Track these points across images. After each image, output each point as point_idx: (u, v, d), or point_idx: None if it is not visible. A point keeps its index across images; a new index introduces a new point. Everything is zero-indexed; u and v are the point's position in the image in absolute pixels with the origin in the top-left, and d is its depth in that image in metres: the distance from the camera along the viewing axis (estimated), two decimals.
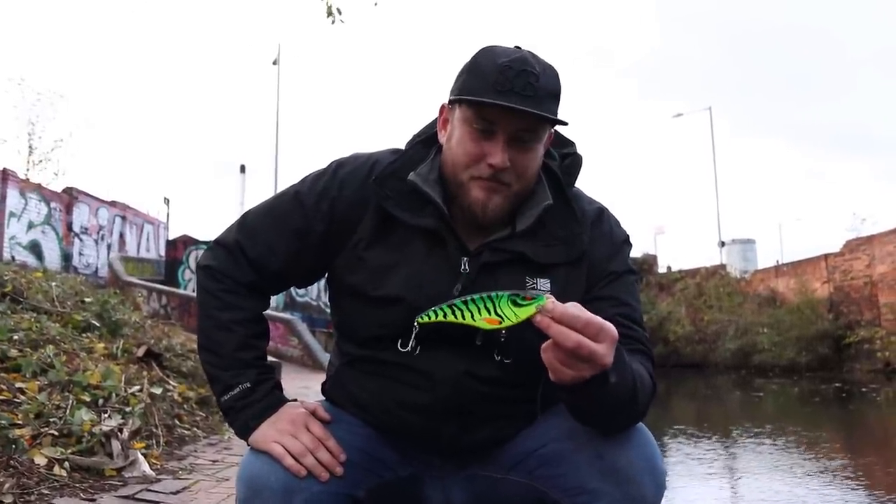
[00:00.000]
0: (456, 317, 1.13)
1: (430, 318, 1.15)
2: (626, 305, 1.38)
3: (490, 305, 1.12)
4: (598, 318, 1.09)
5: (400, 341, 1.33)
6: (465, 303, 1.13)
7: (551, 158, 1.43)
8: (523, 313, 1.10)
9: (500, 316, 1.11)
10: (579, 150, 1.48)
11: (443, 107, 1.40)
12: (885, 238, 18.49)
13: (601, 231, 1.42)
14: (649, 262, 27.76)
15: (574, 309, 1.08)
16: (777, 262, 27.05)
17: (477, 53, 1.33)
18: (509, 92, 1.23)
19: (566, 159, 1.45)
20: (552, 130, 1.38)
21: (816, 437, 8.33)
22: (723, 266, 26.88)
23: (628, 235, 1.47)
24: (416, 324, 1.17)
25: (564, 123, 1.30)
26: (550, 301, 1.09)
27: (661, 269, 27.92)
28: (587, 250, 1.38)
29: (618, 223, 1.47)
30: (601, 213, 1.45)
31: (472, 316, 1.12)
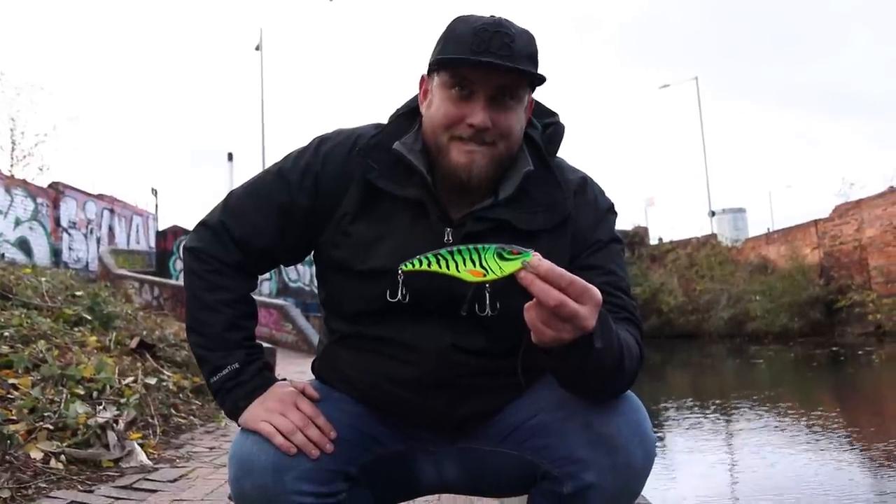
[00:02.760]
0: (440, 266, 1.11)
1: (414, 265, 1.12)
2: (613, 274, 1.37)
3: (476, 257, 1.09)
4: (583, 281, 1.07)
5: (388, 292, 1.31)
6: (451, 253, 1.11)
7: (533, 128, 1.42)
8: (508, 267, 1.08)
9: (484, 268, 1.09)
10: (563, 121, 1.47)
11: (422, 78, 1.39)
12: (873, 202, 18.59)
13: (585, 199, 1.41)
14: (640, 233, 27.83)
15: (558, 269, 1.07)
16: (768, 229, 27.17)
17: (452, 21, 1.32)
18: (486, 52, 1.24)
19: (548, 129, 1.44)
20: (532, 99, 1.37)
21: (816, 402, 8.42)
22: (714, 236, 26.99)
23: (613, 204, 1.46)
24: (400, 271, 1.14)
25: (543, 79, 1.30)
26: (536, 257, 1.07)
27: (653, 241, 28.02)
28: (571, 217, 1.37)
29: (602, 192, 1.46)
30: (584, 182, 1.43)
31: (457, 266, 1.10)
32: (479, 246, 1.10)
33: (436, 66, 1.31)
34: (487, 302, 1.30)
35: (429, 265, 1.12)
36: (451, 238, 1.32)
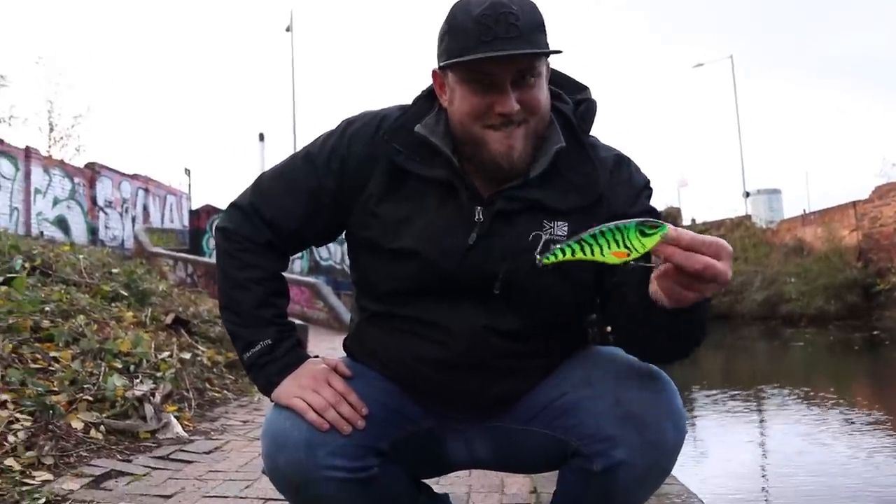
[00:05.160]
0: (585, 253, 1.06)
1: (557, 256, 1.07)
2: None
3: (619, 237, 1.06)
4: (715, 238, 1.08)
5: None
6: (595, 236, 1.06)
7: (564, 104, 1.40)
8: (650, 242, 1.05)
9: (627, 248, 1.05)
10: (594, 97, 1.45)
11: (434, 73, 1.36)
12: None
13: (620, 178, 1.39)
14: (673, 214, 27.44)
15: (695, 235, 1.06)
16: (804, 211, 26.62)
17: (450, 11, 1.29)
18: (494, 40, 1.21)
19: (580, 105, 1.42)
20: (549, 64, 1.34)
21: (853, 388, 8.26)
22: (748, 217, 26.52)
23: (648, 180, 1.43)
24: (541, 265, 1.09)
25: (558, 52, 1.27)
26: (672, 229, 1.06)
27: (685, 222, 27.67)
28: (605, 196, 1.35)
29: (637, 169, 1.43)
30: (620, 160, 1.41)
31: (602, 251, 1.06)
32: (620, 224, 1.06)
33: (447, 65, 1.28)
34: (519, 282, 1.30)
35: (573, 254, 1.07)
36: (481, 217, 1.32)
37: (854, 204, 20.19)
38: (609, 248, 1.06)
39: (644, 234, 1.05)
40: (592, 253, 1.06)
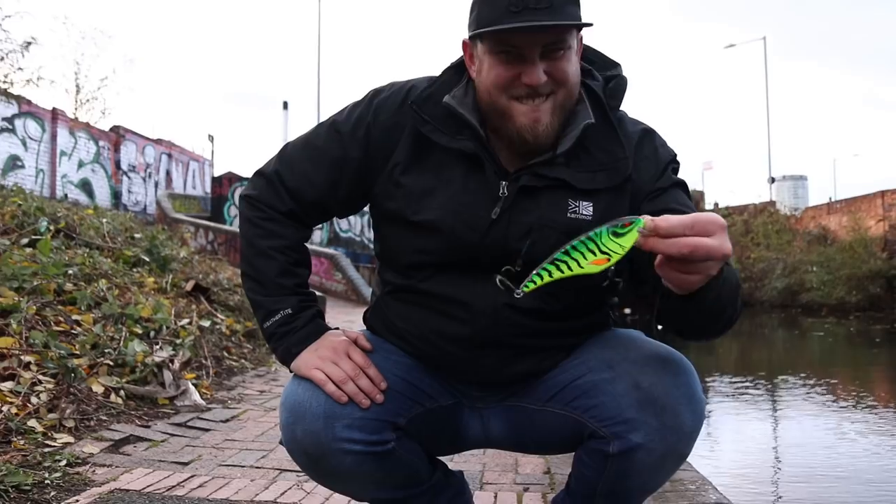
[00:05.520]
0: (563, 271, 1.05)
1: (535, 283, 1.06)
2: (677, 212, 1.33)
3: (593, 246, 1.04)
4: (700, 214, 1.05)
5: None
6: (568, 252, 1.05)
7: (595, 80, 1.37)
8: (627, 241, 1.03)
9: (606, 253, 1.04)
10: (625, 74, 1.42)
11: (464, 43, 1.34)
12: None
13: (644, 153, 1.35)
14: (696, 198, 27.21)
15: (674, 218, 1.04)
16: (830, 199, 26.22)
17: None
18: (524, 10, 1.18)
19: (610, 82, 1.38)
20: (581, 38, 1.31)
21: (872, 380, 8.18)
22: (772, 203, 26.24)
23: (675, 155, 1.40)
24: (520, 295, 1.09)
25: (589, 24, 1.24)
26: (649, 220, 1.03)
27: (709, 206, 27.41)
28: (631, 175, 1.33)
29: (664, 143, 1.39)
30: (645, 134, 1.38)
31: (579, 264, 1.05)
32: (591, 234, 1.04)
33: (475, 34, 1.26)
34: (541, 260, 1.28)
35: (550, 275, 1.06)
36: (506, 192, 1.30)
37: (882, 193, 19.86)
38: (586, 258, 1.04)
39: (618, 235, 1.03)
40: (570, 268, 1.05)
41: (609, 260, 1.04)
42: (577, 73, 1.30)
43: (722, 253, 1.03)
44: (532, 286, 1.07)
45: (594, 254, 1.04)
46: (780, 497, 3.80)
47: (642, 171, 1.34)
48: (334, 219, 6.12)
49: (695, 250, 1.01)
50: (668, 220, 1.03)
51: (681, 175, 1.39)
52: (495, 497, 2.30)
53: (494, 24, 1.20)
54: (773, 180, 29.78)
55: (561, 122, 1.29)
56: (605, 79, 1.38)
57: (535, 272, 1.07)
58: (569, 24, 1.22)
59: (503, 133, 1.30)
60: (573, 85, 1.28)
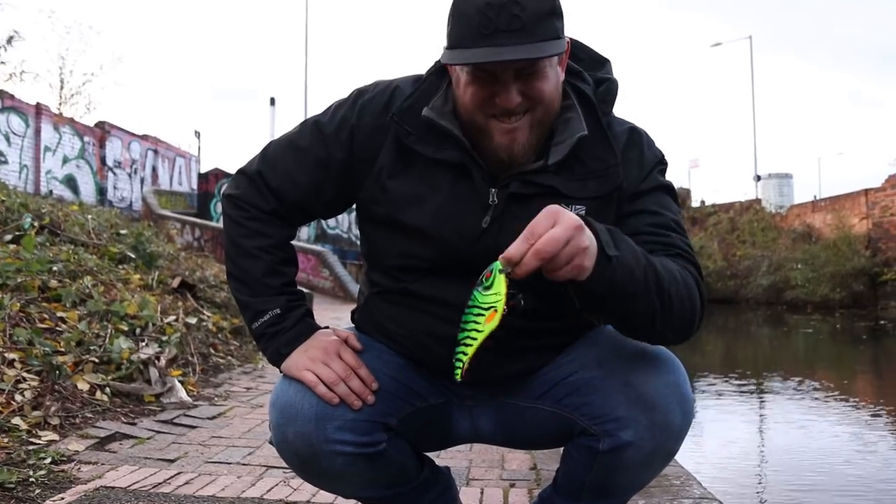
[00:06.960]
0: (476, 340, 1.12)
1: (462, 363, 1.13)
2: (657, 214, 1.33)
3: (476, 310, 1.11)
4: (534, 221, 1.09)
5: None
6: (464, 328, 1.13)
7: (585, 84, 1.36)
8: (499, 286, 1.09)
9: (490, 307, 1.10)
10: (615, 74, 1.42)
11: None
12: None
13: (630, 156, 1.35)
14: (682, 195, 27.26)
15: (516, 241, 1.09)
16: (814, 197, 26.41)
17: None
18: (495, 33, 1.16)
19: (601, 85, 1.38)
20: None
21: (856, 376, 8.25)
22: (758, 201, 26.37)
23: (662, 155, 1.39)
24: (459, 380, 1.15)
25: (559, 54, 1.22)
26: (500, 258, 1.09)
27: (695, 203, 27.52)
28: (622, 184, 1.32)
29: (650, 143, 1.39)
30: (632, 135, 1.37)
31: (482, 326, 1.11)
32: (469, 302, 1.13)
33: (447, 61, 1.24)
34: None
35: (465, 354, 1.13)
36: (496, 199, 1.29)
37: (866, 192, 20.03)
38: (479, 322, 1.11)
39: (487, 288, 1.10)
40: (476, 337, 1.11)
41: (496, 311, 1.10)
42: (557, 86, 1.28)
43: (565, 234, 1.06)
44: (461, 367, 1.13)
45: (482, 314, 1.11)
46: (764, 490, 3.84)
47: (628, 174, 1.33)
48: None
49: (538, 254, 1.06)
50: (513, 246, 1.08)
51: (667, 173, 1.40)
52: (482, 493, 2.31)
53: (465, 44, 1.18)
54: (758, 178, 29.93)
55: (540, 137, 1.28)
56: (595, 81, 1.37)
57: (454, 359, 1.14)
58: (536, 58, 1.18)
59: (482, 148, 1.29)
60: (551, 101, 1.27)
